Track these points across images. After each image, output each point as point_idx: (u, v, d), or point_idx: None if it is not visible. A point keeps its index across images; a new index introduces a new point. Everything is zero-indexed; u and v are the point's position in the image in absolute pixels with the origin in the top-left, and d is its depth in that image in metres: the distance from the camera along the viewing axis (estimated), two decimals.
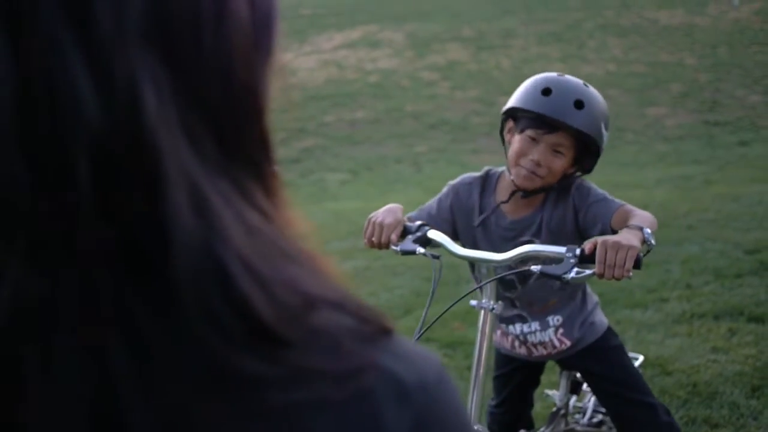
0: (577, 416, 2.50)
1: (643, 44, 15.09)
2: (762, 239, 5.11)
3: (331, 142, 10.99)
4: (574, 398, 2.50)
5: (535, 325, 2.15)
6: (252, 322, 0.42)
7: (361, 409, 0.46)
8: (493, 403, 2.39)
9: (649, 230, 1.75)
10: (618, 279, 1.67)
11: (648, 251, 1.74)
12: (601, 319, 2.22)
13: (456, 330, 3.97)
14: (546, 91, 1.93)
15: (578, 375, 2.39)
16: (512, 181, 2.01)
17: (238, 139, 0.46)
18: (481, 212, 2.12)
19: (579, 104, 1.91)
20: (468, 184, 2.15)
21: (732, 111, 11.17)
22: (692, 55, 14.08)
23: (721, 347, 3.66)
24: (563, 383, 2.39)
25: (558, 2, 19.21)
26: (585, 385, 2.45)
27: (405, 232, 2.00)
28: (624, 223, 1.83)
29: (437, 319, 1.81)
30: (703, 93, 12.03)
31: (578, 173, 2.05)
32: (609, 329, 2.23)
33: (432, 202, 2.18)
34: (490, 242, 2.07)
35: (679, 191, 7.09)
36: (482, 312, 1.92)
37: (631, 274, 1.67)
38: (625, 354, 2.22)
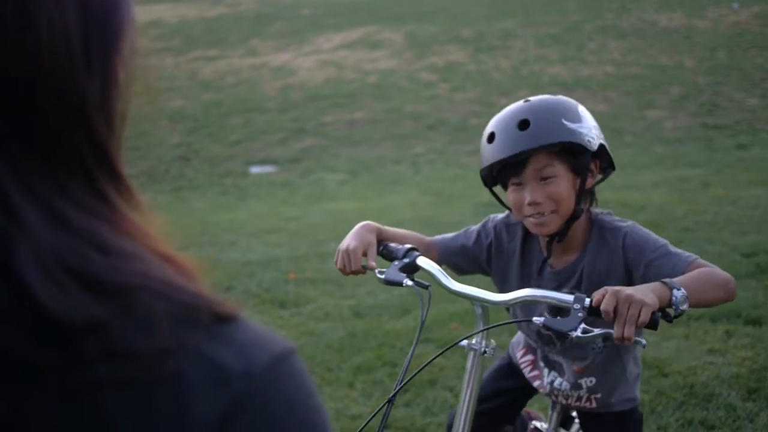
0: None
1: (642, 47, 15.09)
2: (759, 242, 5.12)
3: (330, 143, 10.98)
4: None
5: (566, 384, 2.02)
6: (33, 307, 0.43)
7: (168, 392, 0.47)
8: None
9: (683, 293, 1.50)
10: (627, 340, 1.43)
11: (676, 315, 1.51)
12: (637, 393, 2.07)
13: (454, 330, 3.97)
14: (490, 138, 1.79)
15: (573, 413, 2.23)
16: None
17: (59, 143, 0.48)
18: (522, 259, 1.94)
19: (523, 125, 1.73)
20: (514, 225, 1.96)
21: (730, 114, 11.17)
22: (691, 58, 14.09)
23: (717, 349, 3.67)
24: (554, 417, 2.19)
25: (557, 4, 19.21)
26: (577, 423, 2.28)
27: (391, 256, 1.79)
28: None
29: (419, 371, 1.59)
30: (701, 96, 12.04)
31: (599, 177, 1.84)
32: (639, 404, 2.10)
33: (470, 232, 2.00)
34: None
35: (676, 193, 7.09)
36: (471, 353, 1.72)
37: (643, 341, 1.46)
38: (641, 430, 2.12)
